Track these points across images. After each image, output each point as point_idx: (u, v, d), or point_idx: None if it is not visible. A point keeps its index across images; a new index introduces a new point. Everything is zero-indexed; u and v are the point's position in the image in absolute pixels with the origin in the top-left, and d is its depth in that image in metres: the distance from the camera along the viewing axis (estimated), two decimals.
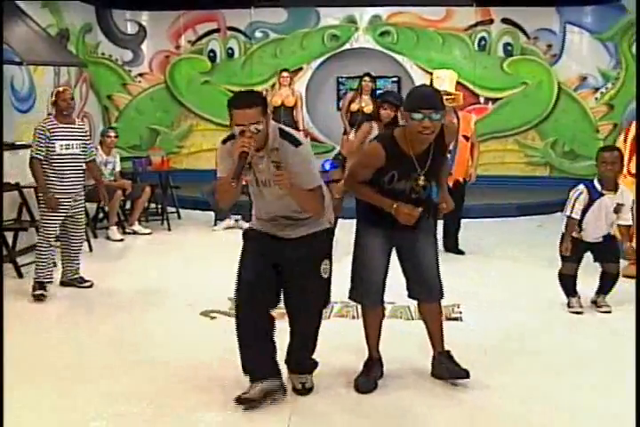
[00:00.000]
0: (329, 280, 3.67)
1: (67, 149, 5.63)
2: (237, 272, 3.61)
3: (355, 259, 3.83)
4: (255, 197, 3.60)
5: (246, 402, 3.55)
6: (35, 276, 5.65)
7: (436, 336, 3.93)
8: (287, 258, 3.55)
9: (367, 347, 3.95)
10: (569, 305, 5.22)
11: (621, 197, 5.05)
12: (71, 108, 5.76)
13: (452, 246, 7.05)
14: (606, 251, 5.18)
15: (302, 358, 3.83)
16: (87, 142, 5.87)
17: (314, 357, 3.86)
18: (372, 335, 3.93)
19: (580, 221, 5.07)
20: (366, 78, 9.32)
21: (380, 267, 3.78)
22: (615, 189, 5.04)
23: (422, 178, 3.55)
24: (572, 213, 5.06)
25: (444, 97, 4.74)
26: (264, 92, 10.23)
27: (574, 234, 5.11)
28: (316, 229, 3.58)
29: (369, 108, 9.05)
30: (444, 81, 6.49)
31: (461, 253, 7.01)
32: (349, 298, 3.90)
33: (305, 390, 3.76)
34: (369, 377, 3.84)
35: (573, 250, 5.10)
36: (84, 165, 5.81)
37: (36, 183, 5.73)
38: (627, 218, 5.08)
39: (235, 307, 3.66)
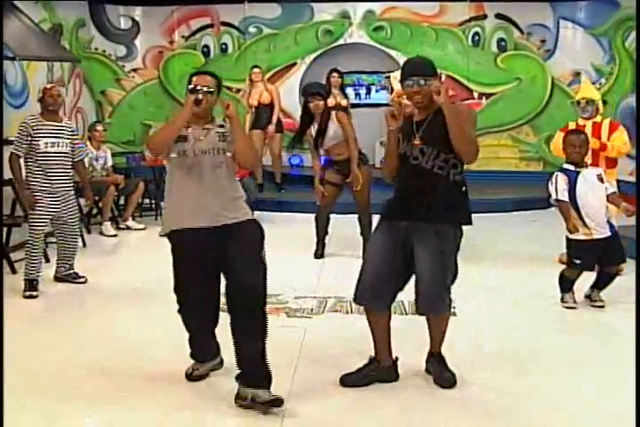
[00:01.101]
0: (266, 269, 3.60)
1: (52, 146, 5.56)
2: (174, 282, 3.84)
3: None
4: (184, 179, 3.74)
5: (197, 379, 3.88)
6: (24, 274, 5.61)
7: (433, 338, 3.87)
8: (230, 255, 3.58)
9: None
10: (562, 300, 5.23)
11: (594, 169, 5.22)
12: (57, 104, 5.68)
13: None
14: (613, 254, 5.15)
15: (254, 366, 3.48)
16: (75, 141, 5.82)
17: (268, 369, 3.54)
18: (375, 338, 3.84)
19: (577, 207, 5.08)
20: (334, 74, 9.54)
21: (374, 263, 3.70)
22: (585, 166, 5.18)
23: (418, 139, 3.64)
24: (557, 195, 5.12)
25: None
26: (242, 92, 10.22)
27: (581, 236, 5.09)
28: (249, 217, 3.72)
29: (344, 102, 9.47)
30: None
31: None
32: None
33: (273, 403, 3.42)
34: (359, 373, 3.78)
35: (587, 258, 5.10)
36: (71, 164, 5.76)
37: (14, 179, 5.68)
38: (609, 186, 5.18)
39: (178, 310, 3.84)
